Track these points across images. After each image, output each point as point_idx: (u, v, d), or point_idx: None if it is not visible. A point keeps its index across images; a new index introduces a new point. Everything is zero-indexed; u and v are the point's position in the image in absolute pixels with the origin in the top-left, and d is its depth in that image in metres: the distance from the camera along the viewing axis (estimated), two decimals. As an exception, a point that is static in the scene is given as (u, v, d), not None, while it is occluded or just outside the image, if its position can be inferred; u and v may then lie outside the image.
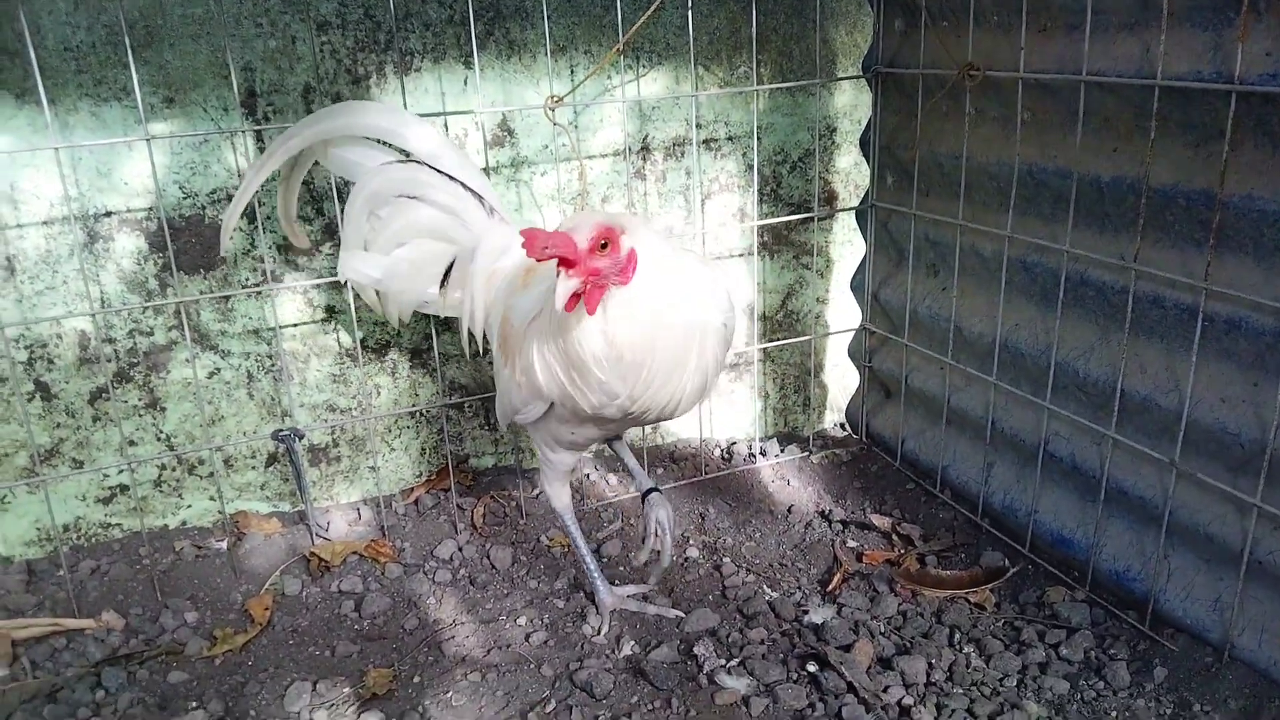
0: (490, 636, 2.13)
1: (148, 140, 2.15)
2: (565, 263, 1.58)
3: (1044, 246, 2.21)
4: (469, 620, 2.20)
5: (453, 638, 2.13)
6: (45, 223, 2.30)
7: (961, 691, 1.92)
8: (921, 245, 2.64)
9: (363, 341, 2.63)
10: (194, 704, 1.96)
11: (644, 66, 2.66)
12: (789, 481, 2.81)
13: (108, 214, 2.34)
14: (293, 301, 2.54)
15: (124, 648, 2.16)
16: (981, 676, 1.96)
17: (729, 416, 3.08)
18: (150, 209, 2.36)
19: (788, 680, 1.92)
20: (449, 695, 1.93)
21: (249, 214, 2.44)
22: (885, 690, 1.90)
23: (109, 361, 2.43)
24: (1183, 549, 2.02)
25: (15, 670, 2.09)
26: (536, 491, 2.77)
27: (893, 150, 2.71)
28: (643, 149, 2.72)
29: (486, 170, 2.59)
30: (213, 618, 2.24)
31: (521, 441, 2.85)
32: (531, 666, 2.01)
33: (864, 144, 2.86)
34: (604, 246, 1.61)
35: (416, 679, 2.00)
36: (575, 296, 1.62)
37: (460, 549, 2.49)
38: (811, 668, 1.95)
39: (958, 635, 2.11)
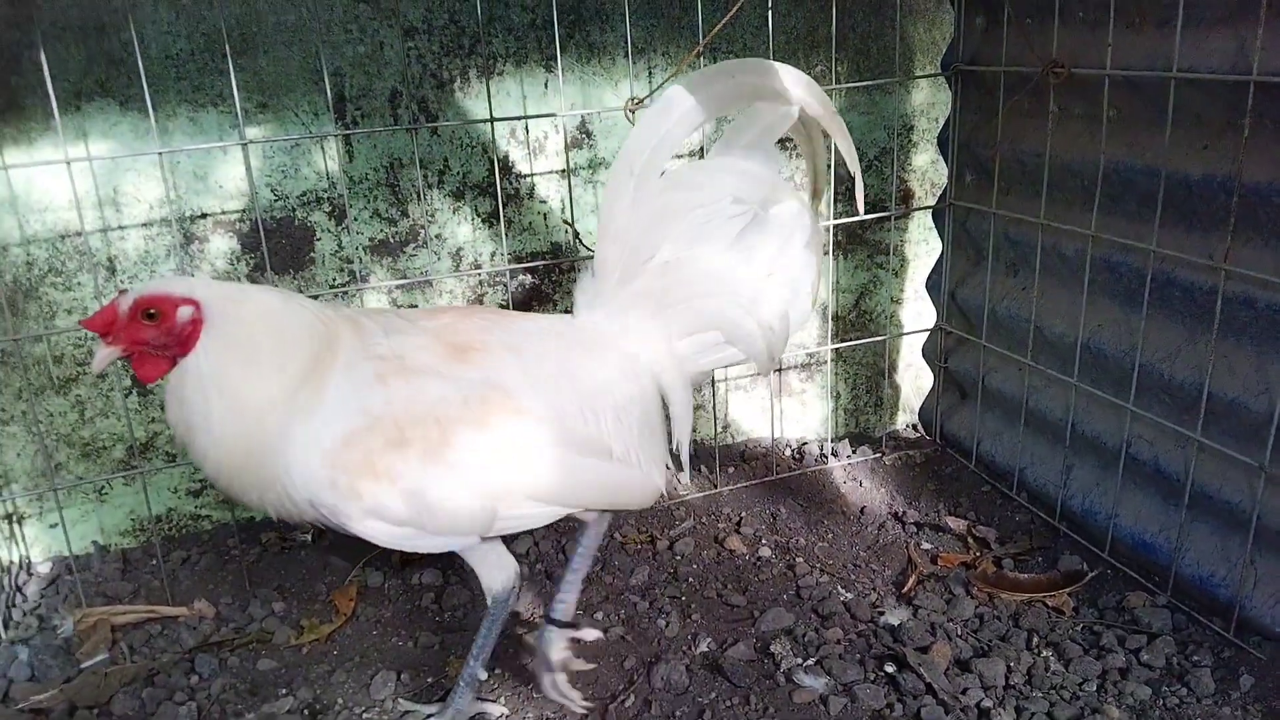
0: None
1: (245, 145, 2.22)
2: (102, 332, 1.54)
3: (1129, 246, 2.17)
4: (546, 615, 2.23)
5: (531, 631, 2.17)
6: (145, 224, 2.40)
7: (1041, 695, 1.90)
8: (1001, 244, 2.61)
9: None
10: (284, 691, 2.03)
11: (720, 67, 2.67)
12: (861, 482, 2.80)
13: (203, 215, 2.43)
14: (377, 300, 2.60)
15: (215, 635, 2.24)
16: (1061, 680, 1.94)
17: (800, 416, 3.08)
18: (243, 211, 2.45)
19: (865, 680, 1.93)
20: (529, 687, 1.97)
21: (336, 216, 2.51)
22: (964, 692, 1.89)
23: (202, 358, 2.52)
24: (1270, 555, 1.98)
25: (115, 654, 2.19)
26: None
27: (972, 148, 2.68)
28: (718, 149, 2.74)
29: (566, 172, 2.63)
30: (299, 608, 2.32)
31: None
32: (610, 660, 2.04)
33: (942, 142, 2.84)
34: (151, 315, 1.51)
35: (497, 670, 2.04)
36: (150, 365, 1.55)
37: (536, 544, 2.53)
38: (889, 668, 1.95)
39: (1036, 639, 2.09)
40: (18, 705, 2.01)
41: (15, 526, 2.51)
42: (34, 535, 2.54)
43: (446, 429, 1.57)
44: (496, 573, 1.79)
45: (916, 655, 1.96)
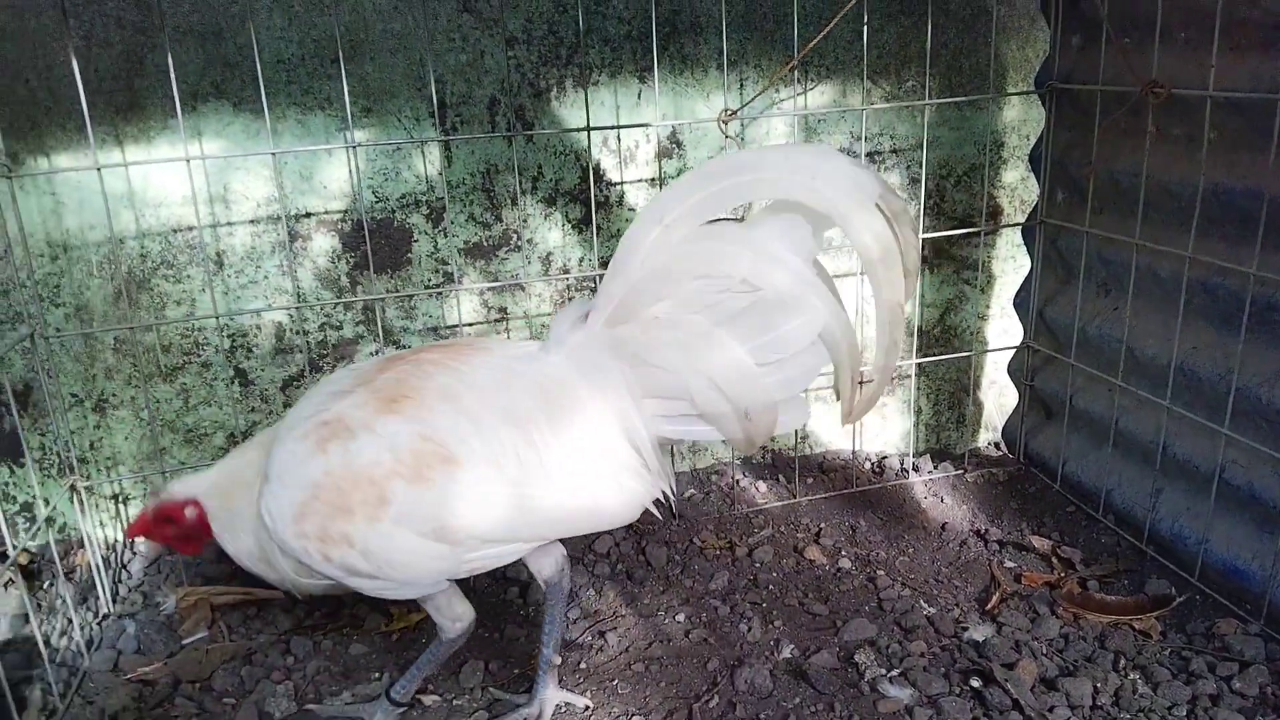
0: (651, 630, 2.20)
1: (353, 148, 2.31)
2: (141, 535, 1.89)
3: (1228, 268, 2.14)
4: (629, 613, 2.27)
5: (614, 628, 2.21)
6: (252, 221, 2.50)
7: (1129, 717, 1.88)
8: (1093, 263, 2.59)
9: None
10: (376, 674, 2.10)
11: (812, 80, 2.70)
12: (942, 499, 2.79)
13: (307, 215, 2.52)
14: (469, 302, 2.67)
15: (308, 619, 2.32)
16: (1150, 704, 1.92)
17: (880, 430, 3.08)
18: (345, 211, 2.53)
19: (951, 694, 1.93)
20: (615, 683, 2.01)
21: (433, 219, 2.59)
22: (1051, 710, 1.88)
23: (301, 352, 2.61)
24: (1373, 587, 1.94)
25: (214, 633, 2.28)
26: (688, 493, 2.84)
27: (1065, 166, 2.67)
28: (807, 162, 2.76)
29: (657, 181, 2.68)
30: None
31: (673, 445, 2.92)
32: (693, 661, 2.07)
33: (1033, 159, 2.82)
34: (168, 519, 1.82)
35: (583, 665, 2.08)
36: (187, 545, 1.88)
37: (617, 544, 2.57)
38: (975, 683, 1.94)
39: (1123, 661, 2.06)
40: (126, 675, 2.11)
41: (121, 507, 2.62)
42: (137, 516, 2.64)
43: (382, 487, 1.61)
44: (449, 621, 1.86)
45: (1003, 671, 1.95)
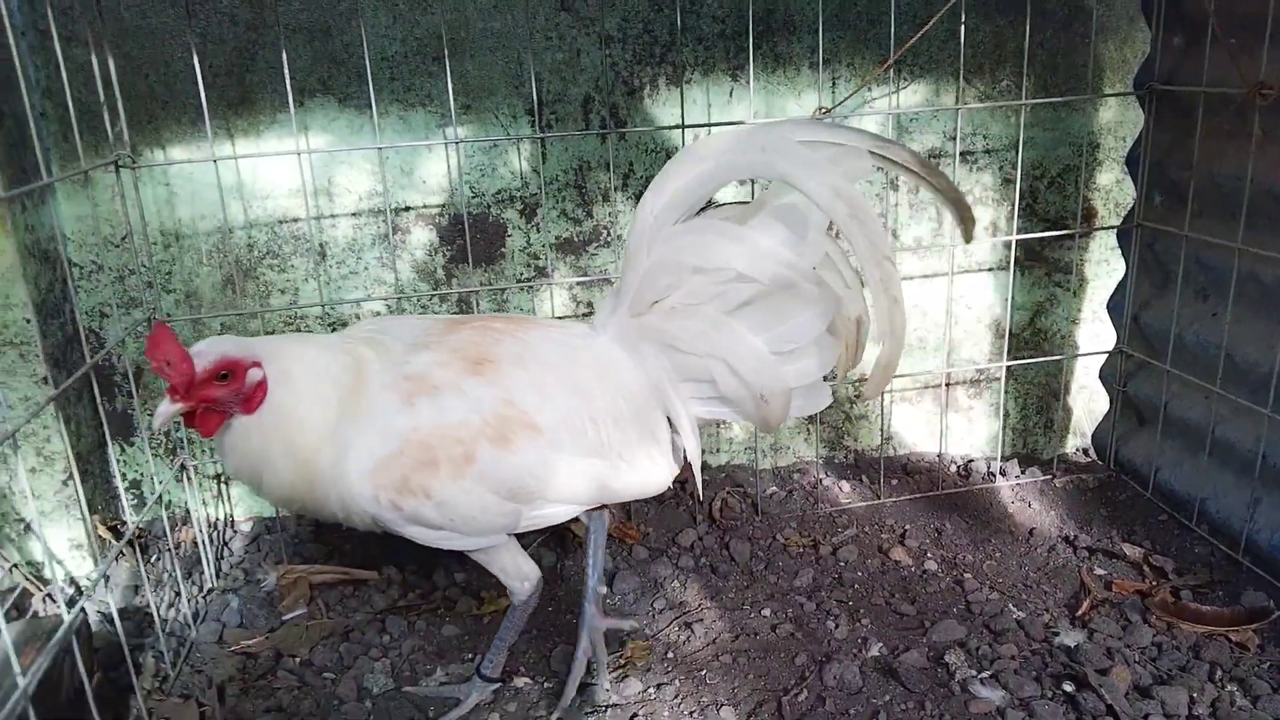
0: (737, 624, 2.22)
1: (457, 144, 2.37)
2: (172, 389, 1.59)
3: (1338, 274, 2.09)
4: (714, 606, 2.30)
5: (700, 620, 2.23)
6: (354, 214, 2.57)
7: (1227, 729, 1.85)
8: (1191, 268, 2.54)
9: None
10: (469, 655, 2.15)
11: (905, 79, 2.69)
12: (1030, 504, 2.76)
13: (406, 209, 2.58)
14: (559, 295, 2.72)
15: (402, 600, 2.38)
16: (1249, 717, 1.89)
17: (965, 433, 3.05)
18: (442, 206, 2.60)
19: (1043, 697, 1.91)
20: (703, 673, 2.03)
21: (527, 214, 2.64)
22: (1146, 718, 1.86)
23: (396, 341, 2.68)
24: None
25: (312, 610, 2.35)
26: (770, 491, 2.85)
27: (1164, 169, 2.62)
28: (898, 161, 2.75)
29: (746, 179, 2.69)
30: (478, 579, 2.43)
31: (757, 441, 2.93)
32: (781, 656, 2.09)
33: (1130, 161, 2.78)
34: (224, 377, 1.61)
35: (671, 655, 2.11)
36: (210, 421, 1.65)
37: (700, 538, 2.59)
38: (1068, 687, 1.93)
39: (1219, 673, 2.03)
40: (230, 647, 2.19)
41: (223, 486, 2.72)
42: (237, 496, 2.75)
43: (469, 446, 1.68)
44: (517, 581, 1.93)
45: (1096, 677, 1.93)
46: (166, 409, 1.60)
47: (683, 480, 2.81)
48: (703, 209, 1.75)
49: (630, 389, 1.84)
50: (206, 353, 1.60)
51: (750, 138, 1.63)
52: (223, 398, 1.62)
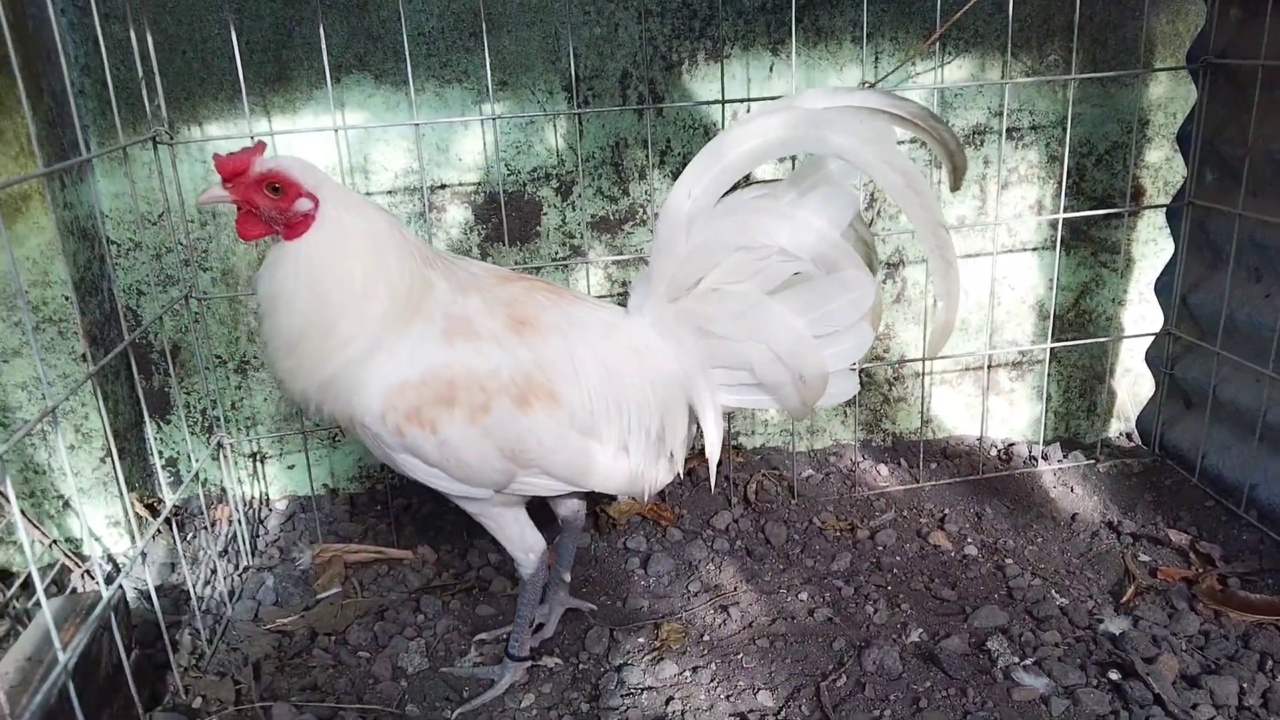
0: (774, 607, 2.19)
1: (494, 120, 2.35)
2: (223, 175, 1.59)
3: (1403, 254, 2.02)
4: (750, 590, 2.27)
5: (736, 603, 2.21)
6: (389, 191, 2.56)
7: (1279, 721, 1.81)
8: (1245, 248, 2.47)
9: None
10: (503, 636, 2.14)
11: (949, 53, 2.63)
12: (1072, 489, 2.71)
13: (442, 186, 2.57)
14: (595, 275, 2.69)
15: (436, 580, 2.38)
16: (1302, 709, 1.84)
17: (1006, 416, 3.00)
18: (478, 184, 2.57)
19: (1088, 685, 1.87)
20: (740, 657, 2.01)
21: (562, 192, 2.61)
22: (1194, 708, 1.81)
23: (431, 320, 2.67)
24: None
25: (347, 589, 2.36)
26: (806, 474, 2.81)
27: (1216, 146, 2.54)
28: (941, 138, 2.69)
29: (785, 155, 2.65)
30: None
31: (793, 423, 2.89)
32: (819, 640, 2.06)
33: (1181, 138, 2.70)
34: (275, 189, 1.58)
35: (706, 638, 2.09)
36: (251, 224, 1.62)
37: (735, 521, 2.57)
38: (1113, 675, 1.89)
39: (1270, 662, 1.97)
40: (266, 625, 2.20)
41: (259, 465, 2.73)
42: (273, 474, 2.76)
43: (490, 397, 1.68)
44: (522, 553, 1.93)
45: (1143, 665, 1.89)
46: (214, 191, 1.61)
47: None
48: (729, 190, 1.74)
49: (661, 377, 1.83)
50: (270, 161, 1.60)
51: (805, 113, 1.60)
52: (264, 207, 1.60)
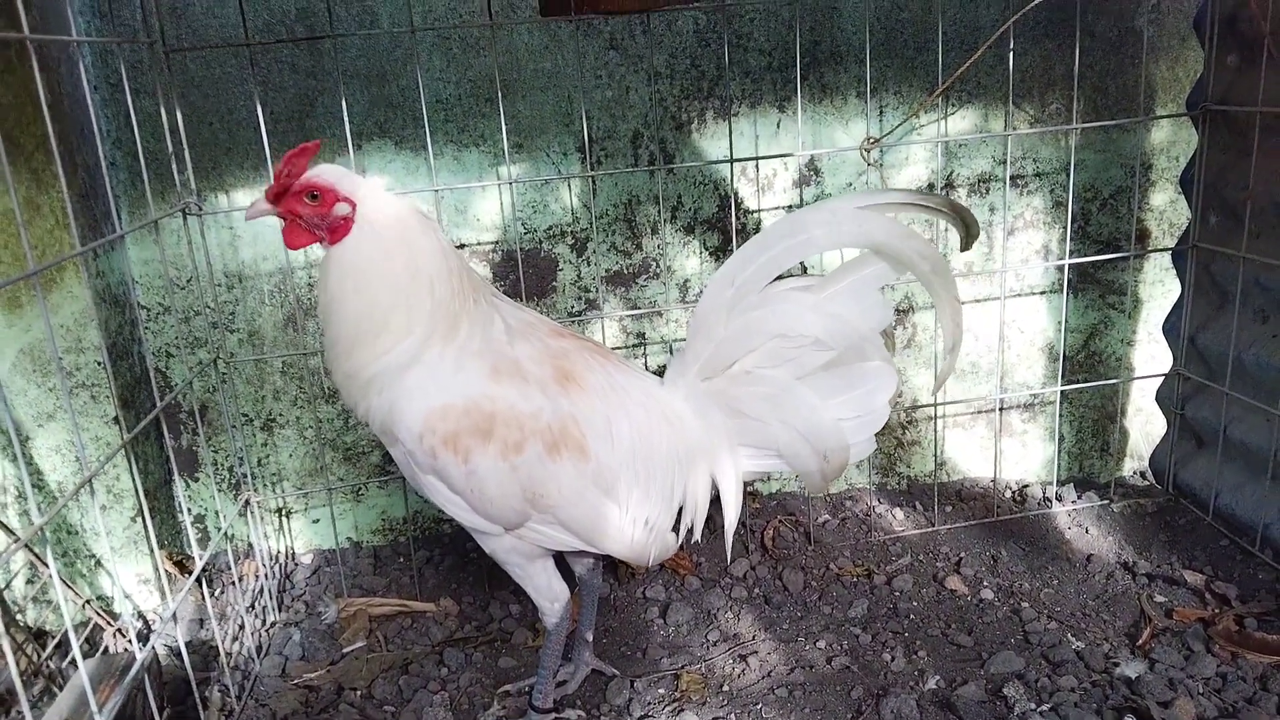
0: (792, 656, 2.22)
1: (510, 184, 2.42)
2: (268, 190, 1.69)
3: (1404, 297, 2.05)
4: (769, 638, 2.30)
5: (755, 652, 2.24)
6: (409, 252, 2.63)
7: (1298, 766, 1.81)
8: (1250, 289, 2.51)
9: (662, 368, 2.80)
10: (525, 687, 2.18)
11: (953, 105, 2.69)
12: (1087, 529, 2.73)
13: (461, 245, 2.64)
14: (610, 327, 2.75)
15: (459, 632, 2.42)
16: (1321, 753, 1.85)
17: (1020, 458, 3.02)
18: (496, 242, 2.65)
19: (1104, 731, 1.89)
20: (759, 707, 2.04)
21: (577, 248, 2.68)
22: (1212, 754, 1.83)
23: (451, 375, 2.73)
24: None
25: (372, 642, 2.40)
26: (822, 519, 2.84)
27: (1219, 190, 2.59)
28: (947, 185, 2.75)
29: (795, 208, 2.71)
30: (533, 611, 2.46)
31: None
32: (837, 689, 2.08)
33: (1184, 182, 2.75)
34: (314, 197, 1.66)
35: (725, 688, 2.12)
36: (297, 234, 1.71)
37: (753, 568, 2.60)
38: (1130, 721, 1.91)
39: (1288, 706, 1.99)
40: (293, 680, 2.24)
41: (284, 520, 2.79)
42: (298, 529, 2.82)
43: (526, 437, 1.74)
44: (547, 601, 1.96)
45: (1159, 710, 1.91)
46: (258, 205, 1.71)
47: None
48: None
49: (688, 447, 1.91)
50: (309, 173, 1.68)
51: (840, 212, 1.78)
52: (306, 216, 1.69)
